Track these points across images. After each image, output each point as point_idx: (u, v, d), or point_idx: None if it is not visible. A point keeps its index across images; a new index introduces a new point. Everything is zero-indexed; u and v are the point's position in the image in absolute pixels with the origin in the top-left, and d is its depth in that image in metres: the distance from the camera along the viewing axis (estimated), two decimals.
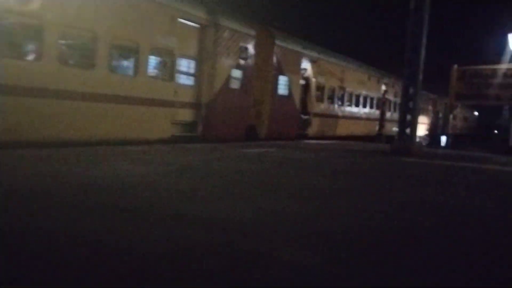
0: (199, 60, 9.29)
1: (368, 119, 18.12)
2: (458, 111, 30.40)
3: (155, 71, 8.42)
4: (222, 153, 7.47)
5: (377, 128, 19.31)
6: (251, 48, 10.91)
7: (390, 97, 20.64)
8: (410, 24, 9.16)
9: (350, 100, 16.59)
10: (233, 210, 3.13)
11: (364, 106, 17.71)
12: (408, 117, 9.38)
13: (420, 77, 9.26)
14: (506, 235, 3.07)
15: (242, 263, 2.02)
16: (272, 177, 5.11)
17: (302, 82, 13.54)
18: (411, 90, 9.37)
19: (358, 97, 17.12)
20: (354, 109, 16.79)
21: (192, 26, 9.05)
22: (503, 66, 16.37)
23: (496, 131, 35.24)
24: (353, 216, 3.25)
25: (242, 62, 10.61)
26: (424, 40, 9.16)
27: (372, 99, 18.38)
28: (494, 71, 16.34)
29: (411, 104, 9.39)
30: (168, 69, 8.57)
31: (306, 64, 13.77)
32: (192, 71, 9.28)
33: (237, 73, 10.52)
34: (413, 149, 9.13)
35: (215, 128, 9.82)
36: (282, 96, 12.28)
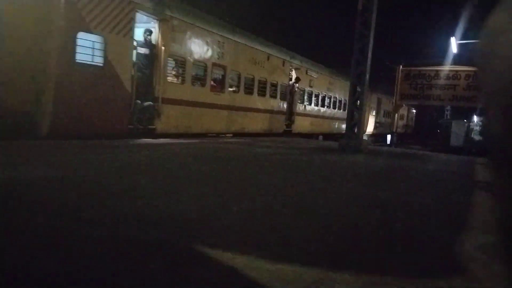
0: None
1: (268, 111, 13.84)
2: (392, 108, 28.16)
3: None
4: None
5: (283, 123, 15.11)
6: None
7: (304, 86, 16.51)
8: (358, 25, 9.24)
9: (237, 85, 12.17)
10: None
11: (262, 94, 13.38)
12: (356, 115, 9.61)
13: (367, 77, 9.38)
14: None
15: (181, 263, 1.87)
16: None
17: (142, 50, 8.89)
18: (358, 89, 9.52)
19: (251, 81, 12.75)
20: (243, 97, 12.38)
21: None
22: (446, 68, 16.99)
23: (438, 130, 34.36)
24: (300, 213, 3.04)
25: None
26: (371, 41, 9.22)
27: (274, 86, 14.11)
28: (437, 73, 17.00)
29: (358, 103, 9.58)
30: None
31: (149, 24, 9.13)
32: None
33: None
34: (360, 147, 9.26)
35: None
36: (89, 67, 7.54)
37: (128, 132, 8.47)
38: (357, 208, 3.42)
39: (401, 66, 17.76)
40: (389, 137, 26.13)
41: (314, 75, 17.09)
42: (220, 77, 11.48)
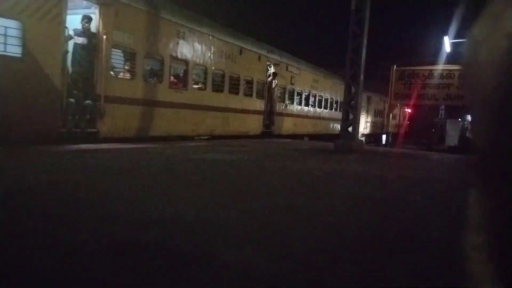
0: None
1: (243, 111, 12.50)
2: (382, 106, 27.25)
3: None
4: None
5: (261, 124, 13.80)
6: None
7: (285, 83, 15.19)
8: (351, 25, 9.18)
9: (203, 81, 10.83)
10: None
11: (234, 92, 12.03)
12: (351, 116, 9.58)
13: (362, 76, 9.26)
14: None
15: (181, 264, 1.80)
16: None
17: (79, 40, 7.54)
18: (353, 90, 9.46)
19: (220, 77, 11.43)
20: (211, 95, 11.03)
21: None
22: (439, 67, 16.82)
23: (433, 130, 34.90)
24: (297, 212, 2.98)
25: None
26: (365, 41, 9.13)
27: (249, 83, 12.79)
28: (431, 72, 16.80)
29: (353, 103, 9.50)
30: None
31: (89, 10, 7.80)
32: None
33: None
34: (355, 147, 9.17)
35: None
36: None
37: (60, 136, 7.11)
38: (356, 207, 3.35)
39: (395, 66, 17.61)
40: (384, 137, 25.76)
41: (296, 71, 15.76)
42: (182, 72, 10.18)
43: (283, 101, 15.20)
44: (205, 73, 10.75)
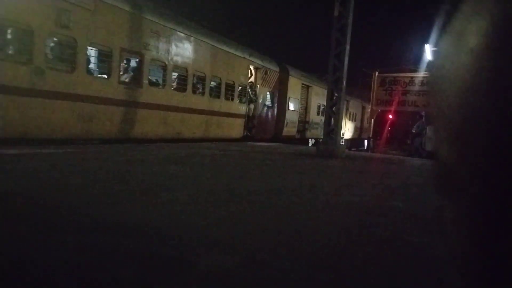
0: None
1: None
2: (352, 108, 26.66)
3: None
4: None
5: None
6: None
7: (40, 23, 6.30)
8: (334, 31, 9.26)
9: None
10: None
11: None
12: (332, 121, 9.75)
13: (344, 82, 9.44)
14: None
15: (157, 270, 1.70)
16: None
17: None
18: (335, 95, 9.66)
19: None
20: None
21: None
22: (420, 74, 17.06)
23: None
24: (276, 215, 2.90)
25: None
26: (348, 48, 9.25)
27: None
28: (412, 79, 17.14)
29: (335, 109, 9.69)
30: None
31: None
32: None
33: None
34: (337, 152, 9.33)
35: None
36: None
37: None
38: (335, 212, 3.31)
39: (377, 73, 17.74)
40: (365, 142, 26.79)
41: (87, 3, 7.07)
42: None
43: (35, 61, 6.34)
44: None
